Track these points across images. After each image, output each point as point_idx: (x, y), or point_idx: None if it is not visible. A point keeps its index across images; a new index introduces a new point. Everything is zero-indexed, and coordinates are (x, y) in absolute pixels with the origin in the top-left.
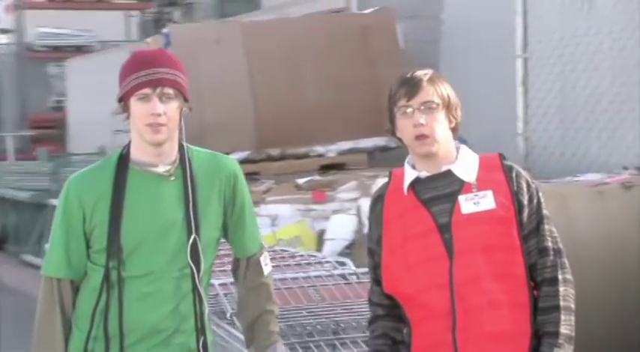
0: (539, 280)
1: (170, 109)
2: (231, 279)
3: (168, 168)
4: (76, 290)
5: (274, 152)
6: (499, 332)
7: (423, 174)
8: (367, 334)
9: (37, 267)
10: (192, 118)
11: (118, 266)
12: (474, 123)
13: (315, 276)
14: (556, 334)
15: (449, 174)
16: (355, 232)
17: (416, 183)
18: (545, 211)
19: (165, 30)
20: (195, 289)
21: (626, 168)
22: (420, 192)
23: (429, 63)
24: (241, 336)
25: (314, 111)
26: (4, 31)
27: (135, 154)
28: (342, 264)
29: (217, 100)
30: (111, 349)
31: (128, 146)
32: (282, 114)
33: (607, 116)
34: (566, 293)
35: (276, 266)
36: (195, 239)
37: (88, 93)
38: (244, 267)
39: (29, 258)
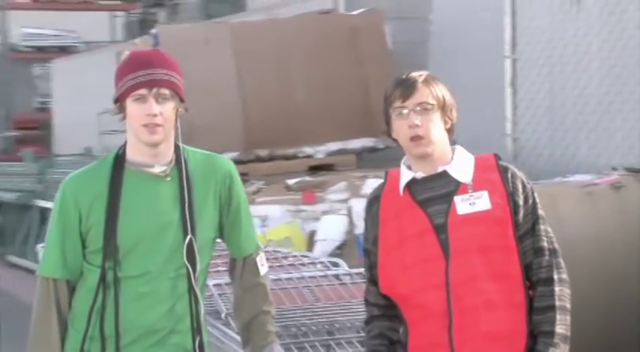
0: (535, 280)
1: (166, 110)
2: (225, 280)
3: (164, 168)
4: (72, 290)
5: (263, 153)
6: (495, 332)
7: (419, 174)
8: (362, 334)
9: (22, 269)
10: (180, 119)
11: (114, 267)
12: (462, 124)
13: (310, 277)
14: (551, 333)
15: (444, 174)
16: (346, 233)
17: (412, 183)
18: (540, 211)
19: (153, 31)
20: (191, 289)
21: (615, 169)
22: (416, 193)
23: (417, 64)
24: (236, 337)
25: (302, 112)
26: None
27: (131, 155)
28: (336, 264)
29: (206, 101)
30: (107, 349)
31: (124, 146)
32: (270, 115)
33: (595, 117)
34: (562, 293)
35: (270, 266)
36: (191, 239)
37: (73, 95)
38: (240, 267)
39: (14, 259)
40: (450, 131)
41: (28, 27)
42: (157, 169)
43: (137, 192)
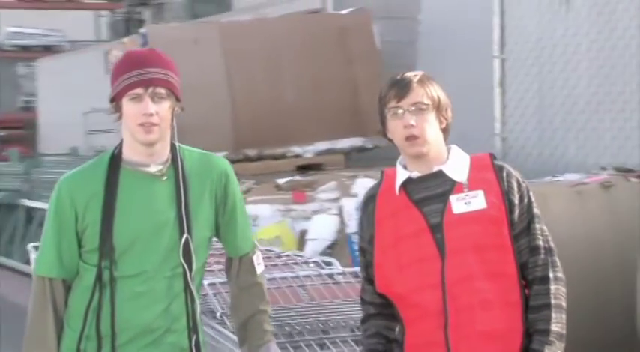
0: (531, 278)
1: (162, 109)
2: (220, 279)
3: (160, 167)
4: (68, 289)
5: (252, 152)
6: (490, 331)
7: (415, 174)
8: (356, 333)
9: (8, 269)
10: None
11: (110, 266)
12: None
13: (304, 276)
14: (547, 331)
15: (440, 174)
16: (337, 232)
17: (407, 183)
18: (535, 210)
19: (142, 30)
20: (187, 288)
21: (604, 169)
22: (412, 193)
23: (406, 64)
24: (232, 336)
25: (291, 111)
26: None
27: (127, 154)
28: (329, 263)
29: (195, 101)
30: (103, 348)
31: (120, 146)
32: (259, 115)
33: (584, 117)
34: (557, 292)
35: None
36: (187, 238)
37: (58, 94)
38: (237, 267)
39: (1, 259)
40: (445, 131)
41: (13, 26)
42: (153, 168)
43: (133, 191)
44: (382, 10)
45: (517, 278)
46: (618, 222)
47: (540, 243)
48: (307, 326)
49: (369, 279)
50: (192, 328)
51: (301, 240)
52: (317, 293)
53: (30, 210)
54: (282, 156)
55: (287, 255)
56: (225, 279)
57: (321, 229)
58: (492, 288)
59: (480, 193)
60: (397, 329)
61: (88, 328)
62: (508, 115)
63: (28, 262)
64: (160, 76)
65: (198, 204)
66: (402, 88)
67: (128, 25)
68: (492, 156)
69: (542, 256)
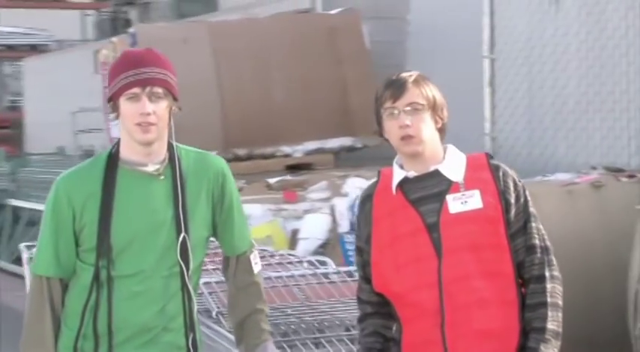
0: (527, 277)
1: (159, 108)
2: (216, 278)
3: (157, 167)
4: (65, 288)
5: (241, 152)
6: (487, 330)
7: (411, 174)
8: (352, 332)
9: None
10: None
11: (107, 266)
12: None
13: (299, 275)
14: (543, 330)
15: (436, 173)
16: (329, 231)
17: (404, 182)
18: (532, 209)
19: (131, 30)
20: (184, 287)
21: (594, 168)
22: (409, 192)
23: (395, 64)
24: (228, 335)
25: (281, 111)
26: None
27: (124, 153)
28: (323, 263)
29: (184, 100)
30: (100, 347)
31: (117, 145)
32: (249, 114)
33: (574, 116)
34: (554, 290)
35: None
36: (184, 237)
37: (45, 93)
38: (234, 266)
39: None
40: (441, 130)
41: None
42: (150, 168)
43: (131, 190)
44: (371, 10)
45: (513, 277)
46: (609, 221)
47: (537, 241)
48: (303, 325)
49: (365, 278)
50: (190, 327)
51: (293, 239)
52: (313, 293)
53: (17, 210)
54: (272, 156)
55: (281, 255)
56: (221, 278)
57: (313, 228)
58: (489, 287)
59: (477, 193)
60: (394, 328)
61: (85, 327)
62: (498, 115)
63: (15, 262)
64: (158, 75)
65: (196, 203)
66: (397, 88)
67: (114, 25)
68: (489, 156)
69: (538, 255)
